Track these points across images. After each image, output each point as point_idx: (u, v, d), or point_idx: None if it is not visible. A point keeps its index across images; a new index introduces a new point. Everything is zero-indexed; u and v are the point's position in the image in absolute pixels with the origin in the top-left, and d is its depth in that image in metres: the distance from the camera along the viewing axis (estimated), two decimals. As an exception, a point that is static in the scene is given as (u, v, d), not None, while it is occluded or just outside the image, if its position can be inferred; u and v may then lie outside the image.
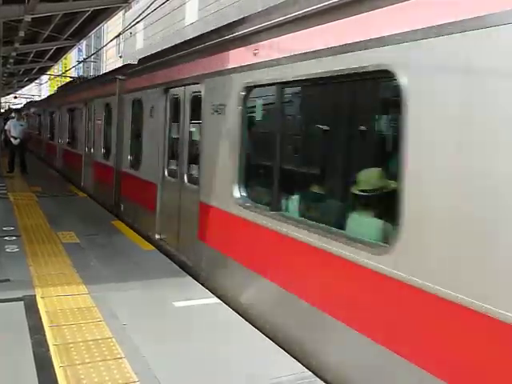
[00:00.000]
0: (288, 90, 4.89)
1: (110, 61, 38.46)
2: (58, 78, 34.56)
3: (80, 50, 42.36)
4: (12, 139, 16.30)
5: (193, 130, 6.84)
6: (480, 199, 2.77)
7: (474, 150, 2.81)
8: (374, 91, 4.27)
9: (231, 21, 6.02)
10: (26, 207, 10.27)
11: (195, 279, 6.00)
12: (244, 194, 5.33)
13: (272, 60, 4.80)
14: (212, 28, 6.98)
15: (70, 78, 28.18)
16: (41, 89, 51.05)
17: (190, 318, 4.89)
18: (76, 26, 13.84)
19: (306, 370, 3.89)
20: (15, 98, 46.53)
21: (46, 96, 32.02)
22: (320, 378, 3.80)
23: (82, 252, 7.03)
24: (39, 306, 4.92)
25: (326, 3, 4.03)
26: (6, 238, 7.56)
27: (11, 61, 17.94)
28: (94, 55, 37.69)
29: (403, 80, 3.26)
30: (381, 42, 3.46)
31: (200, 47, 6.56)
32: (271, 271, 4.77)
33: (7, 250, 6.93)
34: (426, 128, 3.12)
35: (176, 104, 7.40)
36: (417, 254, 3.13)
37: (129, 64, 11.28)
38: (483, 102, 2.78)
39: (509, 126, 2.65)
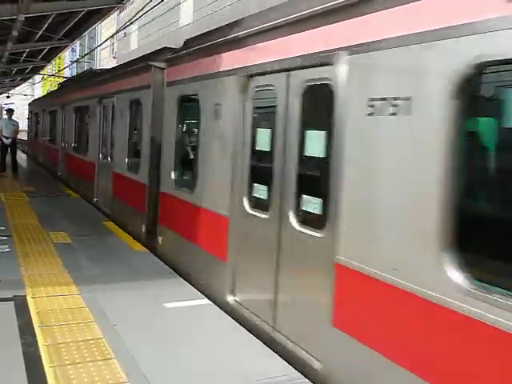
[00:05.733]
0: None
1: (105, 61, 38.42)
2: (51, 78, 34.43)
3: (74, 50, 42.24)
4: (4, 139, 16.26)
5: (308, 139, 4.45)
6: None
7: None
8: None
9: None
10: (17, 207, 10.24)
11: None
12: (462, 270, 2.87)
13: None
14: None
15: (64, 77, 27.95)
16: (34, 88, 50.89)
17: (181, 319, 4.89)
18: (70, 26, 13.80)
19: (296, 371, 3.92)
20: (8, 97, 46.36)
21: (46, 93, 30.75)
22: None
23: (74, 252, 7.02)
24: (29, 306, 4.91)
25: None
26: (-4, 237, 7.54)
27: (4, 60, 17.87)
28: (88, 55, 37.56)
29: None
30: None
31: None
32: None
33: (-2, 249, 6.92)
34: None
35: (268, 99, 5.17)
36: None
37: (169, 47, 8.30)
38: None
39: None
